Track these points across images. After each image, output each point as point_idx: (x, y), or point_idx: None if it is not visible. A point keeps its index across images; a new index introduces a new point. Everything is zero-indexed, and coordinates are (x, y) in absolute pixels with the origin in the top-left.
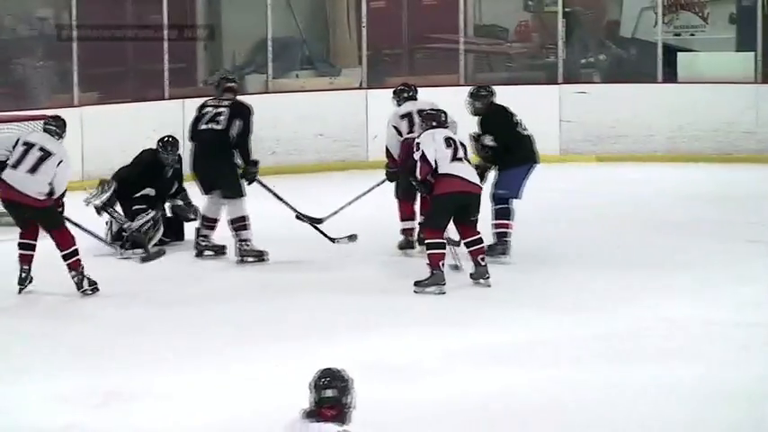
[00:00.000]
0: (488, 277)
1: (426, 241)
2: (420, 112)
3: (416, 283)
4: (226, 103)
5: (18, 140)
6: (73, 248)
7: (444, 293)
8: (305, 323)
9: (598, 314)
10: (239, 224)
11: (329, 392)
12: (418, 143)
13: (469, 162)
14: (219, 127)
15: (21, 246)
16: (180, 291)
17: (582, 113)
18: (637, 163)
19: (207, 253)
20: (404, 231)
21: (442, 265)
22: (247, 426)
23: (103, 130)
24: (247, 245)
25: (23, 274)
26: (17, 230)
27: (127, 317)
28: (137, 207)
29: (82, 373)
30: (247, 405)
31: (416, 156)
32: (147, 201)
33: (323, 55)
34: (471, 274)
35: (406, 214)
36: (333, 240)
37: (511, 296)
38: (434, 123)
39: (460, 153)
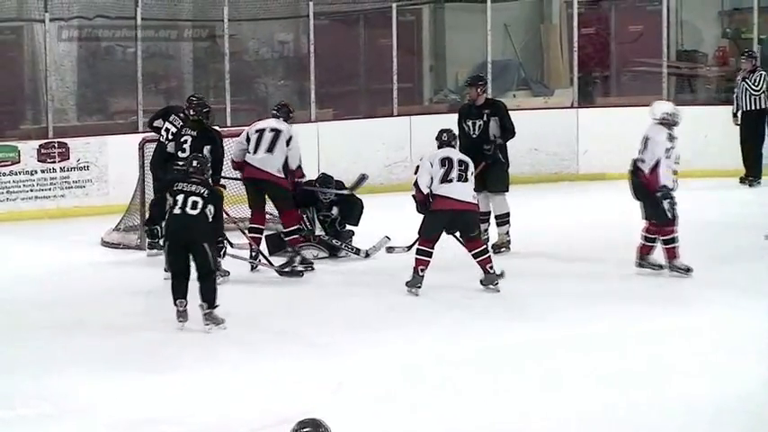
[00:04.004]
0: (497, 283)
1: (417, 247)
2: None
3: (407, 283)
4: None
5: (247, 133)
6: (295, 228)
7: (417, 296)
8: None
9: None
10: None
11: None
12: (417, 166)
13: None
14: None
15: (250, 230)
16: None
17: None
18: None
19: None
20: None
21: (422, 270)
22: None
23: (338, 143)
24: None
25: (253, 253)
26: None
27: (351, 311)
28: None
29: (312, 363)
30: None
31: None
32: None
33: (537, 76)
34: (481, 281)
35: None
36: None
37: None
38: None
39: (453, 174)
